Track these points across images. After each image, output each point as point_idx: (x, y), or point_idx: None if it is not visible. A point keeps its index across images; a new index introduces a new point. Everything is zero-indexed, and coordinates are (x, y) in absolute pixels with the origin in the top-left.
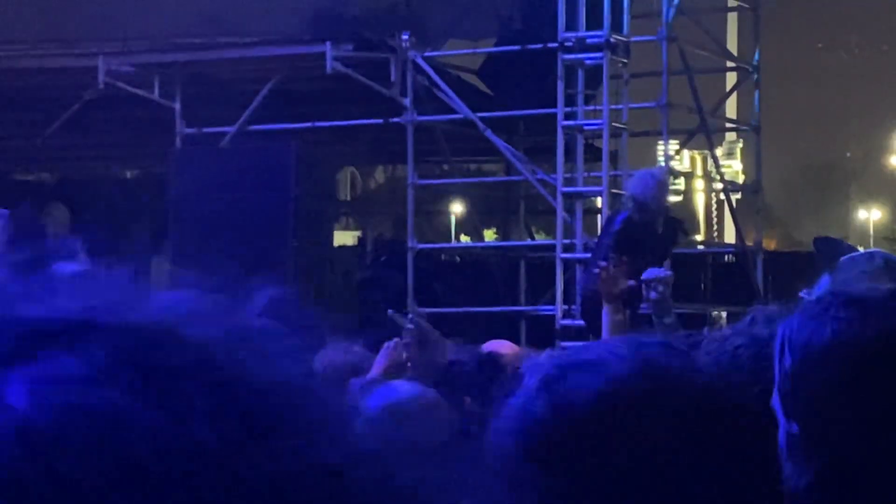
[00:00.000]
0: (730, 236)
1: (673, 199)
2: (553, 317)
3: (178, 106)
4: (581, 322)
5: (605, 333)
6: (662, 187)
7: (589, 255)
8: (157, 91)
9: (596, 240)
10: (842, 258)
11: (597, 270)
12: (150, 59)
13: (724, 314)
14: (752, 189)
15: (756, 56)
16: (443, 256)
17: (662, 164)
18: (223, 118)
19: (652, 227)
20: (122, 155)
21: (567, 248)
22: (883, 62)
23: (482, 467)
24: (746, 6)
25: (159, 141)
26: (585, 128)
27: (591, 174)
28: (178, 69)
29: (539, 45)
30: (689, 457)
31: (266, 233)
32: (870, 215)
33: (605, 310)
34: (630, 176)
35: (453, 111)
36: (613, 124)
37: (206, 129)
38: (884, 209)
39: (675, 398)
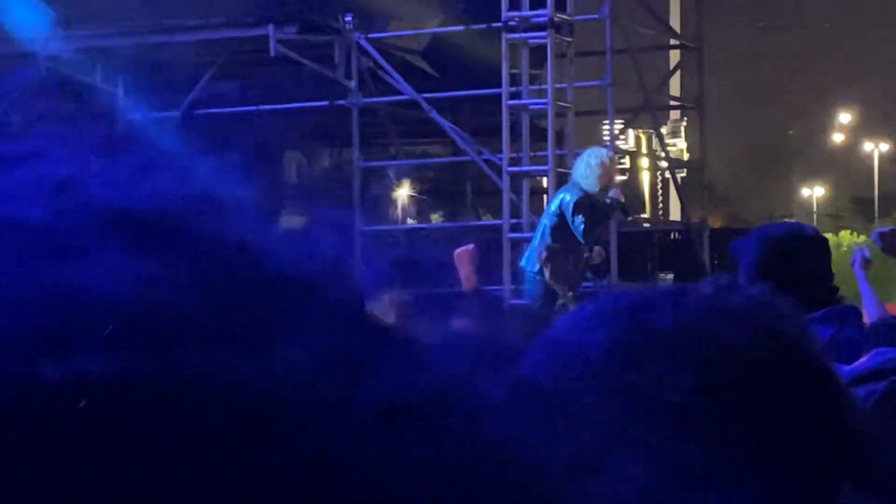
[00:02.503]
0: (676, 214)
1: (618, 178)
2: (501, 297)
3: (120, 91)
4: (528, 301)
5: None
6: (603, 168)
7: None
8: (99, 76)
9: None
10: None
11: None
12: (91, 43)
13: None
14: (696, 167)
15: (699, 34)
16: (390, 238)
17: (607, 142)
18: (167, 103)
19: (594, 206)
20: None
21: (514, 228)
22: (825, 40)
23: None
24: None
25: (102, 127)
26: (530, 107)
27: (537, 154)
28: (121, 54)
29: (483, 25)
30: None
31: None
32: (813, 192)
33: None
34: (576, 155)
35: (398, 93)
36: (558, 103)
37: (149, 114)
38: (826, 186)
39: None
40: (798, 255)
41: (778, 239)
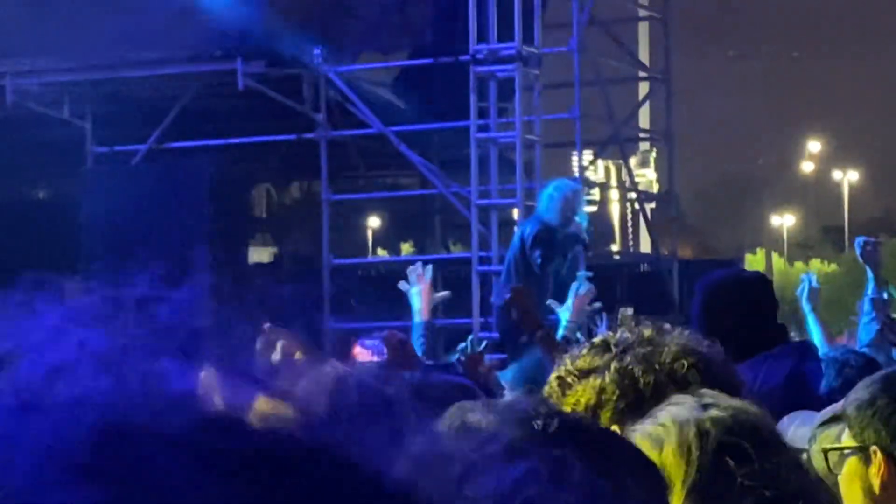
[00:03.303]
0: (646, 246)
1: (588, 209)
2: (470, 329)
3: (88, 125)
4: (496, 335)
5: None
6: (565, 202)
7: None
8: (66, 110)
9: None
10: None
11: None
12: (59, 77)
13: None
14: (666, 198)
15: (667, 66)
16: (359, 271)
17: (576, 174)
18: (135, 136)
19: (553, 241)
20: (33, 175)
21: (483, 261)
22: (793, 70)
23: None
24: (657, 16)
25: (70, 160)
26: (499, 140)
27: (506, 186)
28: (88, 88)
29: (451, 58)
30: None
31: (180, 252)
32: (783, 222)
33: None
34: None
35: (367, 125)
36: (526, 136)
37: (117, 148)
38: (797, 215)
39: None
40: (739, 299)
41: (718, 286)
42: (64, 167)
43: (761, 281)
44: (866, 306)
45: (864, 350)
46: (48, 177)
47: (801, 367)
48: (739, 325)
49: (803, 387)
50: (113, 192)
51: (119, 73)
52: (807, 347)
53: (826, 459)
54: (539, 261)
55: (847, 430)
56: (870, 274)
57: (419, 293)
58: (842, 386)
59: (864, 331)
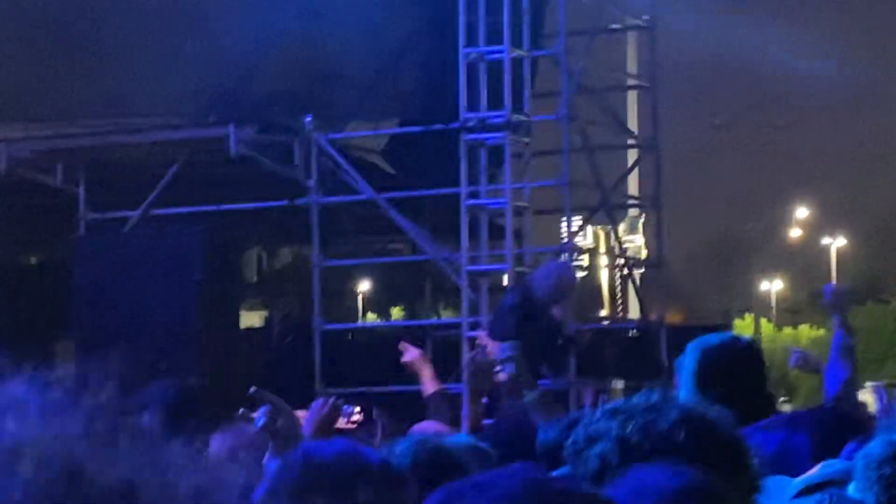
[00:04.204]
0: (634, 311)
1: (577, 275)
2: (461, 395)
3: (81, 191)
4: (486, 400)
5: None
6: (560, 285)
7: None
8: (59, 176)
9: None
10: None
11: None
12: (51, 144)
13: (619, 385)
14: (654, 264)
15: (655, 134)
16: (350, 336)
17: (565, 240)
18: (128, 202)
19: (534, 315)
20: (25, 241)
21: (473, 326)
22: (779, 137)
23: None
24: (645, 85)
25: (63, 227)
26: (489, 206)
27: (496, 252)
28: (81, 155)
29: (441, 126)
30: None
31: (171, 318)
32: (771, 287)
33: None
34: (540, 262)
35: (358, 192)
36: (516, 203)
37: (109, 214)
38: (785, 280)
39: None
40: (732, 365)
41: (711, 351)
42: (56, 233)
43: (754, 349)
44: (834, 355)
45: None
46: (40, 243)
47: (790, 441)
48: (731, 392)
49: (791, 460)
50: (105, 259)
51: (112, 139)
52: (798, 419)
53: None
54: (514, 331)
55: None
56: (836, 321)
57: (417, 366)
58: None
59: (833, 380)
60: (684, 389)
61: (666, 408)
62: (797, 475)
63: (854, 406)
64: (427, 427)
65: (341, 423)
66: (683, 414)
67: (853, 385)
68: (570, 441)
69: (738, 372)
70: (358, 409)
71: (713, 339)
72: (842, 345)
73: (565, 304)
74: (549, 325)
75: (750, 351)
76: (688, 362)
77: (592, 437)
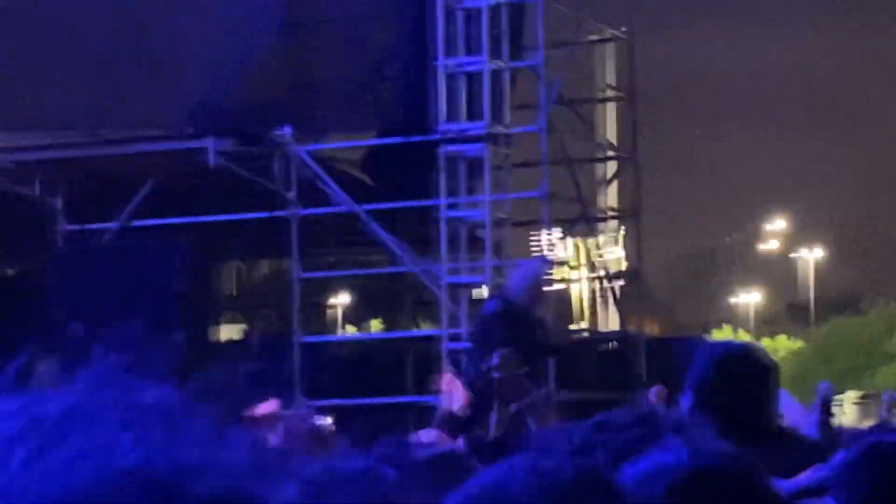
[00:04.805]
0: (613, 323)
1: (556, 286)
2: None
3: (59, 203)
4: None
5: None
6: (536, 284)
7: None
8: (37, 188)
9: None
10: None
11: (495, 362)
12: (30, 156)
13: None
14: (633, 275)
15: (633, 146)
16: (329, 348)
17: (546, 253)
18: (106, 214)
19: (516, 320)
20: (3, 253)
21: (453, 338)
22: (757, 149)
23: None
24: (623, 97)
25: (41, 238)
26: (468, 218)
27: (476, 264)
28: (60, 166)
29: (420, 137)
30: None
31: (149, 330)
32: (749, 298)
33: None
34: (515, 265)
35: (337, 203)
36: (495, 215)
37: (88, 226)
38: (763, 292)
39: None
40: (748, 376)
41: (733, 360)
42: (34, 245)
43: (771, 364)
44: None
45: None
46: (18, 255)
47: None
48: (738, 403)
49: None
50: (83, 270)
51: (91, 151)
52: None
53: None
54: (499, 338)
55: None
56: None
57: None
58: None
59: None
60: (687, 398)
61: (656, 421)
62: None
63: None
64: (425, 435)
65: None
66: (678, 428)
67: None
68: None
69: (749, 384)
70: (330, 420)
71: (731, 347)
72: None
73: (544, 301)
74: (533, 326)
75: (768, 363)
76: (698, 368)
77: (581, 449)
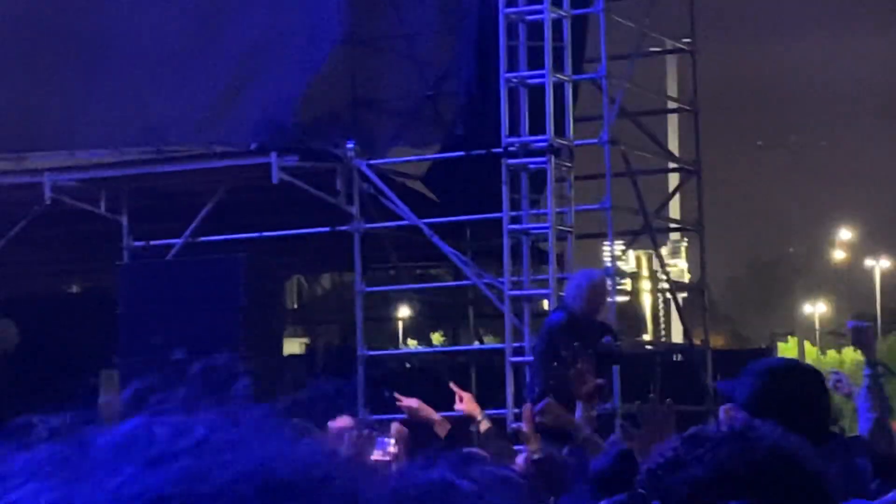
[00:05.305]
0: (677, 335)
1: (620, 299)
2: (504, 420)
3: (125, 219)
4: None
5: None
6: (593, 291)
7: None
8: (103, 205)
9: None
10: None
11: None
12: (95, 174)
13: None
14: (697, 287)
15: (697, 157)
16: (391, 362)
17: (608, 265)
18: (171, 230)
19: (581, 330)
20: (70, 270)
21: (517, 352)
22: (821, 158)
23: None
24: (687, 108)
25: (107, 255)
26: (531, 231)
27: (538, 277)
28: (124, 183)
29: (483, 151)
30: None
31: (215, 345)
32: (815, 309)
33: (579, 406)
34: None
35: (400, 217)
36: (558, 227)
37: (153, 242)
38: (828, 303)
39: None
40: (797, 393)
41: (780, 373)
42: (100, 262)
43: (818, 376)
44: (864, 393)
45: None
46: (85, 271)
47: (852, 462)
48: (793, 419)
49: (854, 482)
50: (149, 287)
51: (155, 168)
52: (855, 443)
53: None
54: (563, 351)
55: None
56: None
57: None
58: None
59: (864, 418)
60: (740, 413)
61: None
62: (861, 496)
63: (888, 445)
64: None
65: (377, 454)
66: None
67: (883, 426)
68: (645, 468)
69: (802, 399)
70: (393, 441)
71: (777, 362)
72: (868, 384)
73: (604, 311)
74: (596, 335)
75: (817, 376)
76: (746, 385)
77: (676, 463)
